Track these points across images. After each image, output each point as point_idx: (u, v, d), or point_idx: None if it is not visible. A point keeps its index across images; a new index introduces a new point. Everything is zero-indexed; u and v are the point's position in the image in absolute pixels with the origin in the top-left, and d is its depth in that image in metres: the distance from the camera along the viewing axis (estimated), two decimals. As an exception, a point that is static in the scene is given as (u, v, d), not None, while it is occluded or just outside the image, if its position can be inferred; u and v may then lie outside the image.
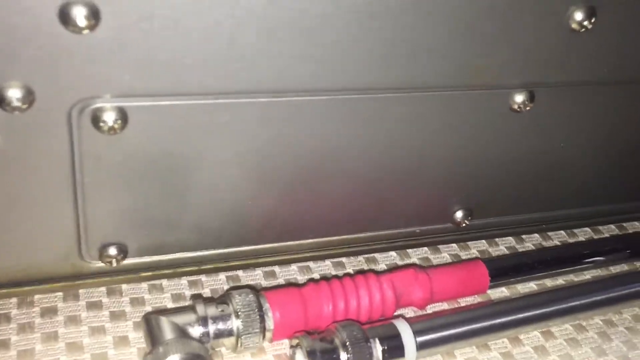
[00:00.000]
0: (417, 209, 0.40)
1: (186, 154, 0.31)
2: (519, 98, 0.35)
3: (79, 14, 0.24)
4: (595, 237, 0.48)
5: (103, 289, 0.37)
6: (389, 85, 0.32)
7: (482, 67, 0.33)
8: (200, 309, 0.34)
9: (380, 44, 0.30)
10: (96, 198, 0.31)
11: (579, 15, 0.32)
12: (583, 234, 0.48)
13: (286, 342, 0.36)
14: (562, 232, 0.48)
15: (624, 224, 0.49)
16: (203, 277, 0.39)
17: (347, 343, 0.33)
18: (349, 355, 0.33)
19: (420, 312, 0.39)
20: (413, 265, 0.40)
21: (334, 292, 0.36)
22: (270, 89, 0.30)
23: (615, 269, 0.45)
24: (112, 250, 0.34)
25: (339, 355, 0.33)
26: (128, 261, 0.35)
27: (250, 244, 0.37)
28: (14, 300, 0.36)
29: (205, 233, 0.35)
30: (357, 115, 0.33)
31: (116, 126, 0.28)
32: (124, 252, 0.34)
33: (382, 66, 0.31)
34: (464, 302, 0.41)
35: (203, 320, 0.33)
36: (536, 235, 0.47)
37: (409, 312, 0.39)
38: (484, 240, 0.45)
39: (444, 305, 0.40)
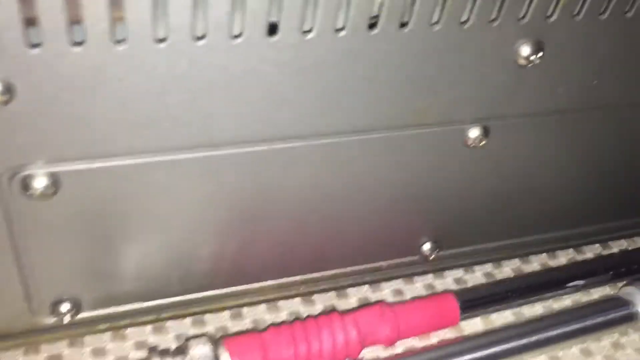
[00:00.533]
0: (382, 244, 0.39)
1: (124, 211, 0.31)
2: (473, 133, 0.34)
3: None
4: (580, 258, 0.47)
5: (66, 340, 0.37)
6: (339, 130, 0.31)
7: (433, 105, 0.32)
8: (156, 361, 0.33)
9: (322, 92, 0.29)
10: (39, 258, 0.31)
11: (525, 50, 0.31)
12: (566, 255, 0.47)
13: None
14: (543, 254, 0.46)
15: (609, 243, 0.48)
16: (168, 323, 0.39)
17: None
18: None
19: (389, 349, 0.39)
20: (379, 302, 0.39)
21: (296, 336, 0.36)
22: (201, 144, 0.29)
23: (596, 291, 0.44)
24: (65, 306, 0.34)
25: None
26: (83, 315, 0.35)
27: (210, 289, 0.37)
28: (-25, 357, 0.36)
29: (157, 282, 0.35)
30: (307, 160, 0.32)
31: (48, 192, 0.28)
32: (77, 307, 0.34)
33: (327, 112, 0.30)
34: (436, 335, 0.40)
35: (159, 374, 0.33)
36: (516, 259, 0.46)
37: (378, 349, 0.39)
38: (461, 269, 0.44)
39: (415, 340, 0.39)
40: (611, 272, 0.44)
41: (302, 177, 0.33)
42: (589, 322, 0.39)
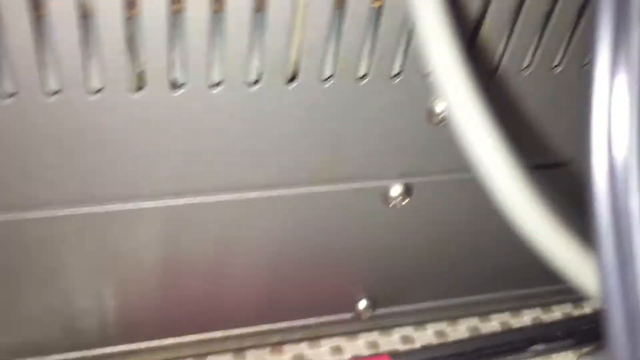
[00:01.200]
0: (315, 300, 0.37)
1: (11, 265, 0.29)
2: (395, 191, 0.31)
3: None
4: (547, 317, 0.43)
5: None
6: (247, 185, 0.29)
7: (340, 161, 0.29)
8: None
9: (215, 147, 0.28)
10: None
11: (440, 107, 0.28)
12: (532, 314, 0.43)
13: None
14: (505, 313, 0.43)
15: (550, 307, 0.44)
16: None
17: None
18: None
19: (315, 415, 0.36)
20: (308, 363, 0.37)
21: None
22: (96, 199, 0.28)
23: (558, 357, 0.41)
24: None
25: None
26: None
27: (107, 345, 0.35)
28: None
29: (64, 335, 0.33)
30: (234, 216, 0.31)
31: None
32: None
33: (223, 167, 0.28)
34: (370, 401, 0.37)
35: None
36: (474, 318, 0.43)
37: (305, 413, 0.36)
38: (410, 326, 0.41)
39: (346, 407, 0.37)
40: (577, 336, 0.41)
41: (213, 230, 0.31)
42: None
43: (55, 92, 0.24)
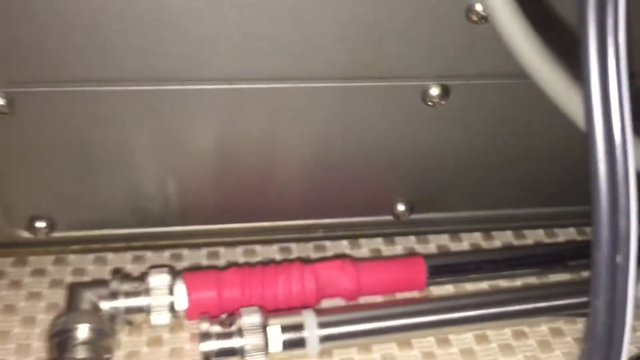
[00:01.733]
0: (357, 200, 0.39)
1: (80, 138, 0.33)
2: (434, 91, 0.33)
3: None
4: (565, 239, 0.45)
5: (52, 257, 0.40)
6: (297, 75, 0.32)
7: (382, 59, 0.32)
8: (114, 284, 0.36)
9: (271, 34, 0.30)
10: (11, 176, 0.34)
11: (479, 6, 0.30)
12: (567, 234, 0.45)
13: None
14: (540, 231, 0.45)
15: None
16: (148, 253, 0.41)
17: (244, 329, 0.34)
18: (244, 342, 0.34)
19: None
20: (346, 256, 0.39)
21: (252, 279, 0.37)
22: (156, 78, 0.31)
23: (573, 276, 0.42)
24: (40, 223, 0.37)
25: (233, 341, 0.34)
26: (57, 234, 0.38)
27: (168, 225, 0.38)
28: (-33, 263, 0.40)
29: (125, 212, 0.37)
30: (278, 104, 0.33)
31: (4, 111, 0.31)
32: (51, 226, 0.37)
33: (274, 55, 0.31)
34: (401, 296, 0.40)
35: (114, 295, 0.35)
36: (509, 232, 0.45)
37: (341, 303, 0.39)
38: (446, 235, 0.44)
39: (379, 299, 0.40)
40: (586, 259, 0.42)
41: (252, 119, 0.34)
42: (562, 301, 0.38)
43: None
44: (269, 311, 0.36)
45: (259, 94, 0.32)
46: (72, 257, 0.41)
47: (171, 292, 0.36)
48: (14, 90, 0.31)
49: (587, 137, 0.19)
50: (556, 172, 0.40)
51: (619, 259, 0.19)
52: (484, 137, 0.37)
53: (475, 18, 0.30)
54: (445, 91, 0.33)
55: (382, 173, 0.38)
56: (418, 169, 0.38)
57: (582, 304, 0.38)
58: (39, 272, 0.40)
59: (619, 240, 0.19)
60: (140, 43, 0.30)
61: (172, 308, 0.36)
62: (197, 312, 0.36)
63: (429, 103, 0.34)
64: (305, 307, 0.37)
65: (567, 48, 0.25)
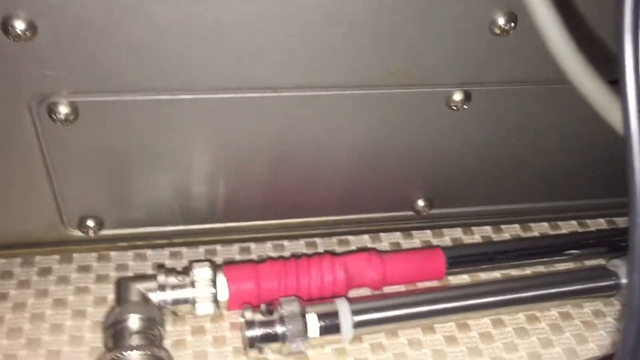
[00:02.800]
0: (379, 197, 0.43)
1: (136, 143, 0.36)
2: (457, 97, 0.37)
3: (18, 27, 0.29)
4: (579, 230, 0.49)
5: (95, 254, 0.43)
6: (320, 83, 0.35)
7: (412, 67, 0.35)
8: (161, 278, 0.38)
9: (304, 45, 0.33)
10: (67, 177, 0.37)
11: (501, 20, 0.33)
12: (569, 227, 0.49)
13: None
14: (545, 224, 0.49)
15: (613, 219, 0.50)
16: (184, 249, 0.44)
17: (285, 317, 0.37)
18: (284, 328, 0.37)
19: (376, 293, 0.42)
20: (371, 249, 0.43)
21: (287, 271, 0.40)
22: (205, 88, 0.34)
23: (591, 264, 0.46)
24: (90, 222, 0.40)
25: (275, 328, 0.37)
26: (106, 232, 0.40)
27: (213, 222, 0.41)
28: (17, 260, 0.42)
29: (168, 211, 0.40)
30: (313, 110, 0.36)
31: (68, 119, 0.33)
32: (100, 224, 0.40)
33: (310, 65, 0.34)
34: (423, 286, 0.43)
35: (162, 288, 0.38)
36: (516, 226, 0.48)
37: (366, 292, 0.42)
38: (459, 229, 0.47)
39: (401, 289, 0.43)
40: (607, 245, 0.46)
41: (290, 124, 0.37)
42: (569, 287, 0.42)
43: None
44: (304, 300, 0.39)
45: (300, 101, 0.35)
46: (113, 253, 0.43)
47: (213, 285, 0.39)
48: (79, 100, 0.33)
49: (624, 138, 0.22)
50: (562, 170, 0.43)
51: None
52: (501, 138, 0.40)
53: (497, 31, 0.34)
54: (468, 96, 0.37)
55: (406, 172, 0.41)
56: (439, 168, 0.41)
57: (587, 289, 0.42)
58: (84, 269, 0.42)
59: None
60: (198, 55, 0.32)
61: (215, 299, 0.39)
62: (237, 302, 0.39)
63: (453, 107, 0.37)
64: (335, 296, 0.40)
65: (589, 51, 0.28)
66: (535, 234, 0.48)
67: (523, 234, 0.48)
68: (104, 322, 0.37)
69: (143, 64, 0.32)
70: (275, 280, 0.40)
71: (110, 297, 0.41)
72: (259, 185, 0.40)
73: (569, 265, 0.46)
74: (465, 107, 0.37)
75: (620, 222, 0.49)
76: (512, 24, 0.33)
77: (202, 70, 0.33)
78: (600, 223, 0.49)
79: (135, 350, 0.35)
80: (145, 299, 0.38)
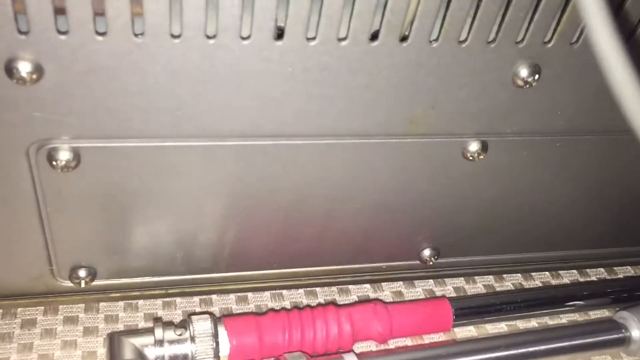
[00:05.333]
0: (384, 246, 0.41)
1: (139, 190, 0.34)
2: (473, 147, 0.36)
3: (23, 69, 0.27)
4: (583, 280, 0.48)
5: (82, 305, 0.40)
6: (336, 132, 0.33)
7: (429, 117, 0.34)
8: (159, 332, 0.36)
9: (322, 95, 0.32)
10: (61, 226, 0.34)
11: (524, 72, 0.32)
12: (570, 276, 0.48)
13: (242, 367, 0.38)
14: (546, 273, 0.48)
15: (615, 268, 0.49)
16: (178, 299, 0.42)
17: (291, 374, 0.35)
18: (292, 386, 0.35)
19: (381, 347, 0.40)
20: (376, 300, 0.41)
21: (291, 323, 0.38)
22: (209, 134, 0.32)
23: (595, 314, 0.45)
24: (82, 272, 0.37)
25: (281, 385, 0.35)
26: (98, 282, 0.38)
27: (216, 272, 0.39)
28: (-1, 311, 0.39)
29: (164, 260, 0.38)
30: (306, 158, 0.35)
31: (70, 165, 0.31)
32: (92, 274, 0.37)
33: (326, 114, 0.33)
34: (429, 339, 0.42)
35: (160, 343, 0.36)
36: (518, 274, 0.47)
37: (371, 345, 0.41)
38: (462, 277, 0.46)
39: (407, 341, 0.41)
40: (611, 296, 0.45)
41: (302, 173, 0.35)
42: (579, 341, 0.41)
43: (177, 36, 0.28)
44: (310, 355, 0.37)
45: (314, 149, 0.34)
46: (102, 303, 0.41)
47: (214, 339, 0.36)
48: (81, 145, 0.31)
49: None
50: (569, 220, 0.43)
51: None
52: (514, 188, 0.39)
53: (520, 83, 0.33)
54: (485, 147, 0.36)
55: (416, 221, 0.40)
56: (449, 218, 0.40)
57: (597, 342, 0.41)
58: (71, 320, 0.39)
59: None
60: (211, 102, 0.30)
61: (216, 354, 0.36)
62: (239, 357, 0.37)
63: (469, 158, 0.36)
64: (340, 350, 0.39)
65: None
66: (538, 282, 0.47)
67: (525, 283, 0.47)
68: (97, 381, 0.35)
69: (153, 110, 0.30)
70: (280, 334, 0.38)
71: (101, 351, 0.38)
72: (267, 235, 0.38)
73: (575, 315, 0.45)
74: (481, 157, 0.36)
75: (620, 271, 0.49)
76: (536, 76, 0.32)
77: (215, 118, 0.31)
78: (601, 272, 0.49)
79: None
80: (140, 356, 0.36)
